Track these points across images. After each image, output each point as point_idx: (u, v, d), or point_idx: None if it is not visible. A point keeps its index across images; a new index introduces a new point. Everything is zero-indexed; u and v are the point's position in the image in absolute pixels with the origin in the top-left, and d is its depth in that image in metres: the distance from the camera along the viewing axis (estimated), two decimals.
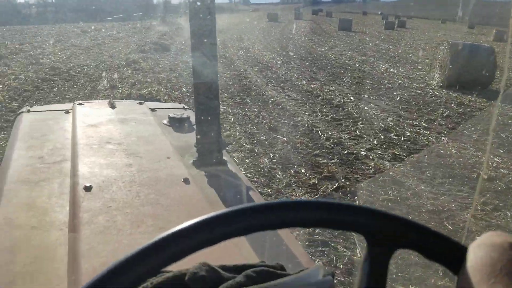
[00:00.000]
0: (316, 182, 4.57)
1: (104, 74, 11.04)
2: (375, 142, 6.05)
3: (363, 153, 5.56)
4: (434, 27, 51.15)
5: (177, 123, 2.13)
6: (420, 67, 14.83)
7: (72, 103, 2.40)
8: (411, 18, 79.29)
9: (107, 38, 20.87)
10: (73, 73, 11.09)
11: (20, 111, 2.33)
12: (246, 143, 5.87)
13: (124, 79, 10.22)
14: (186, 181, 1.46)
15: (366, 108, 8.18)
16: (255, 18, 56.54)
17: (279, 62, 14.62)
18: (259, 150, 5.61)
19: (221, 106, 8.37)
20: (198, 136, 1.73)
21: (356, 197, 4.30)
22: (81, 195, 1.31)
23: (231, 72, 12.04)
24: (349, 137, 6.24)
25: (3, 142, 5.51)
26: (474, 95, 9.60)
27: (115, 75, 10.60)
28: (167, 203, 1.32)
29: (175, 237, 0.38)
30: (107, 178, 1.44)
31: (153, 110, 2.39)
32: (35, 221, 1.21)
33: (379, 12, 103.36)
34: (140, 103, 2.52)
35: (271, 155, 5.41)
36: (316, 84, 10.77)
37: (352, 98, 9.10)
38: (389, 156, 5.48)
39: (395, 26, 44.29)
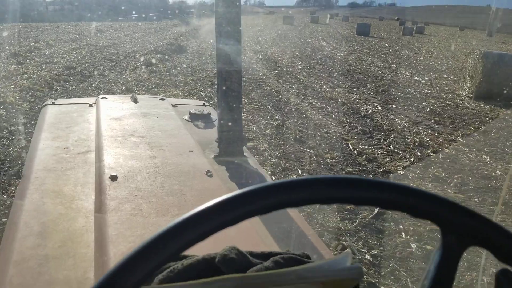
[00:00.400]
0: (353, 206, 4.10)
1: (119, 75, 10.69)
2: (412, 159, 5.55)
3: (401, 172, 5.06)
4: (453, 34, 50.26)
5: (198, 119, 2.16)
6: (445, 76, 14.24)
7: (95, 97, 2.42)
8: (428, 24, 78.26)
9: (123, 37, 20.59)
10: (88, 73, 10.74)
11: (45, 103, 2.35)
12: (271, 157, 5.42)
13: (140, 81, 9.84)
14: (208, 173, 1.48)
15: (396, 119, 7.67)
16: (270, 21, 56.19)
17: (299, 67, 14.16)
18: (286, 165, 5.15)
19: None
20: (221, 127, 1.74)
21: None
22: (107, 183, 1.33)
23: (250, 77, 11.60)
24: (382, 153, 5.75)
25: (11, 148, 5.13)
26: (510, 109, 9.02)
27: (131, 77, 10.23)
28: (191, 194, 1.32)
29: (202, 215, 0.39)
30: (132, 168, 1.45)
31: (174, 106, 2.41)
32: (62, 208, 1.24)
33: (396, 18, 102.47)
34: (162, 99, 2.54)
35: (300, 171, 4.94)
36: (340, 91, 10.28)
37: (379, 107, 8.60)
38: (430, 177, 4.97)
39: (413, 32, 43.56)
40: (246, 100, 8.57)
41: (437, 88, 11.62)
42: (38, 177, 1.41)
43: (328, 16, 79.32)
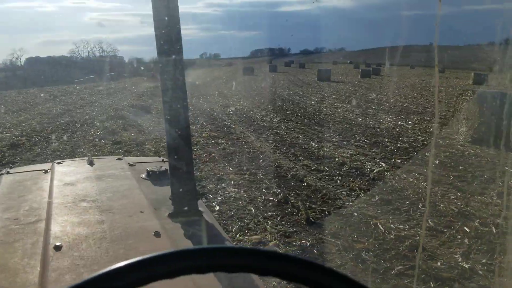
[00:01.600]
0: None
1: (76, 149, 9.17)
2: (466, 240, 4.36)
3: (466, 266, 3.83)
4: (406, 73, 52.07)
5: (155, 177, 2.11)
6: (427, 118, 13.66)
7: (51, 162, 2.37)
8: (380, 65, 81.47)
9: (79, 102, 19.00)
10: (38, 150, 9.15)
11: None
12: (284, 252, 4.07)
13: (103, 156, 8.37)
14: (157, 234, 1.45)
15: (410, 179, 6.57)
16: (230, 72, 56.30)
17: (275, 120, 13.16)
18: None
19: (231, 189, 6.70)
20: (172, 187, 1.76)
21: None
22: (50, 254, 1.32)
23: (227, 136, 10.39)
24: (426, 233, 4.53)
25: None
26: None
27: (91, 151, 8.74)
28: (135, 257, 0.97)
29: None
30: (78, 236, 1.43)
31: (132, 165, 2.36)
32: (6, 282, 1.23)
33: (348, 61, 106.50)
34: (119, 159, 2.48)
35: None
36: (329, 146, 9.23)
37: (384, 164, 7.53)
38: (502, 274, 3.77)
39: (371, 74, 44.56)
40: (231, 169, 7.29)
41: (428, 133, 10.84)
42: None
43: (284, 64, 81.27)
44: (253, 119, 13.51)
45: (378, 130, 11.43)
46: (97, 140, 10.03)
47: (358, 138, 10.23)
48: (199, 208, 1.77)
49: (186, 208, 1.72)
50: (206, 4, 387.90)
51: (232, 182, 6.57)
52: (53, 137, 10.43)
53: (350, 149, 8.89)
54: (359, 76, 42.94)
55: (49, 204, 1.72)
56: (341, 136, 10.51)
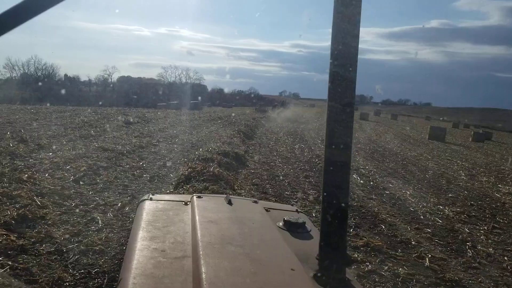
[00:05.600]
0: None
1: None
2: None
3: None
4: None
5: (292, 228, 1.99)
6: None
7: (190, 195, 2.37)
8: (479, 127, 72.72)
9: (155, 133, 15.27)
10: (63, 230, 5.00)
11: (142, 198, 2.30)
12: None
13: None
14: None
15: None
16: (318, 114, 52.19)
17: (424, 205, 8.12)
18: None
19: None
20: (321, 248, 1.57)
21: None
22: None
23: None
24: None
25: None
26: None
27: None
28: None
29: None
30: (233, 286, 1.34)
31: (267, 210, 2.30)
32: None
33: (441, 118, 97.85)
34: (255, 202, 2.43)
35: None
36: None
37: None
38: None
39: (484, 139, 37.81)
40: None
41: None
42: (136, 283, 1.35)
43: (373, 113, 75.32)
44: (408, 204, 8.54)
45: None
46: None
47: None
48: (347, 276, 1.54)
49: (334, 272, 1.50)
50: (292, 44, 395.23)
51: None
52: (102, 198, 6.28)
53: None
54: (470, 139, 36.57)
55: (195, 240, 1.67)
56: None
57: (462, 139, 38.15)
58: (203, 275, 1.34)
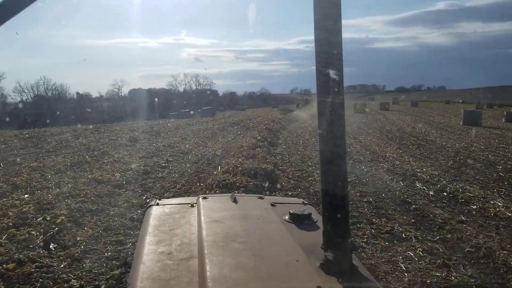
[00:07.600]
0: None
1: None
2: None
3: None
4: None
5: (298, 220, 1.95)
6: None
7: (196, 197, 2.36)
8: (501, 106, 68.79)
9: (163, 151, 13.00)
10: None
11: (149, 203, 2.29)
12: None
13: None
14: None
15: None
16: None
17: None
18: None
19: None
20: (325, 235, 1.55)
21: None
22: None
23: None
24: None
25: None
26: None
27: None
28: None
29: None
30: (236, 282, 1.34)
31: (273, 205, 2.27)
32: None
33: (460, 101, 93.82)
34: (261, 198, 2.41)
35: None
36: None
37: None
38: None
39: None
40: None
41: None
42: (143, 286, 1.34)
43: (391, 101, 72.20)
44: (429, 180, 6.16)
45: None
46: None
47: None
48: (353, 262, 1.53)
49: (339, 260, 1.48)
50: (299, 40, 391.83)
51: None
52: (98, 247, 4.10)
53: None
54: (503, 120, 33.83)
55: (200, 240, 1.68)
56: None
57: (494, 120, 35.34)
58: (207, 273, 1.36)
